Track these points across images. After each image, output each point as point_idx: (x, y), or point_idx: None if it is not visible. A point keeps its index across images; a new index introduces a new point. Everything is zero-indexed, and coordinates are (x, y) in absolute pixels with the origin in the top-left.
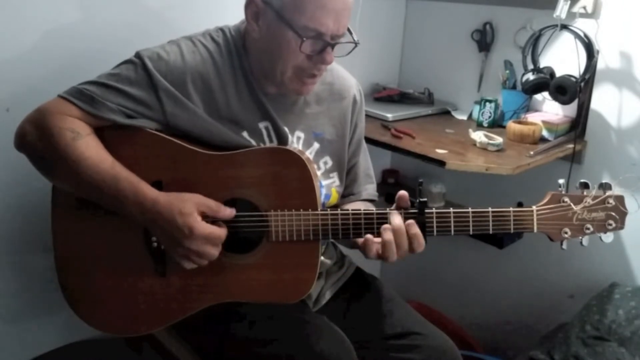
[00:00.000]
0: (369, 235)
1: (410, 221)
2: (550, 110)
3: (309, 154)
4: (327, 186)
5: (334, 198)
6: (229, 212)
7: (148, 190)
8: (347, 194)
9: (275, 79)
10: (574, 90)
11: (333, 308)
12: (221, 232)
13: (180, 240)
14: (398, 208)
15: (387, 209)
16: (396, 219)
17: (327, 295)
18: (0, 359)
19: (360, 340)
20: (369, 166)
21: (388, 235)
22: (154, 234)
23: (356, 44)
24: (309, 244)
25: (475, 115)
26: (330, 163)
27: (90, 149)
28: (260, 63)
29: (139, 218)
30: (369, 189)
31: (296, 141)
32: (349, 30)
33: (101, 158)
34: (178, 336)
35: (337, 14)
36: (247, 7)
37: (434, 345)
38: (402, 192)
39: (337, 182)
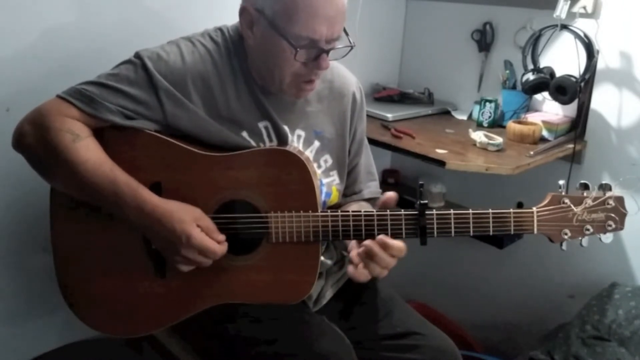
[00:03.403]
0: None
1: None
2: (550, 110)
3: (310, 152)
4: (328, 184)
5: (335, 196)
6: (221, 237)
7: (148, 196)
8: (349, 193)
9: (273, 84)
10: (574, 90)
11: (333, 308)
12: (217, 248)
13: (177, 248)
14: (383, 207)
15: (374, 210)
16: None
17: (327, 296)
18: (0, 359)
19: (360, 340)
20: (370, 163)
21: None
22: (150, 238)
23: (352, 47)
24: (309, 245)
25: (475, 115)
26: (330, 161)
27: (90, 151)
28: (258, 68)
29: (136, 222)
30: (372, 186)
31: (296, 140)
32: (345, 31)
33: (100, 161)
34: (178, 336)
35: (330, 19)
36: (241, 14)
37: (434, 345)
38: (390, 194)
39: (337, 180)
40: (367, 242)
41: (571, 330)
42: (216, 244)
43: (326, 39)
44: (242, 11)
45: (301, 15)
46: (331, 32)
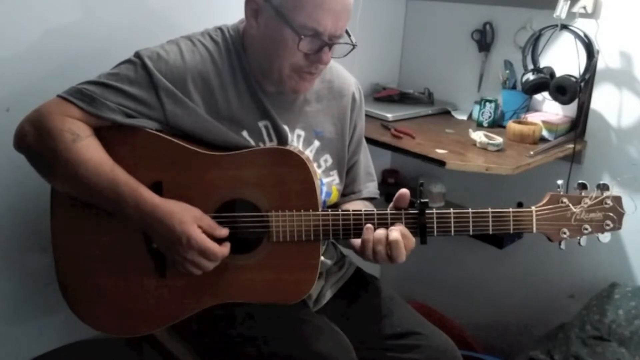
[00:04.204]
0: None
1: (393, 227)
2: (550, 110)
3: (310, 151)
4: (328, 184)
5: (335, 196)
6: (224, 232)
7: (148, 196)
8: (348, 192)
9: (273, 77)
10: (574, 90)
11: (333, 308)
12: (218, 249)
13: (177, 248)
14: (396, 208)
15: (387, 208)
16: (380, 230)
17: (328, 295)
18: (0, 359)
19: (360, 340)
20: (369, 164)
21: (367, 235)
22: (152, 238)
23: (354, 46)
24: (310, 244)
25: (475, 115)
26: (330, 161)
27: (90, 151)
28: (259, 61)
29: (137, 222)
30: (370, 187)
31: (296, 139)
32: (347, 32)
33: (101, 161)
34: (178, 336)
35: (336, 14)
36: (247, 3)
37: (434, 345)
38: (404, 191)
39: (337, 180)
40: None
41: (571, 330)
42: (217, 246)
43: (330, 34)
44: (248, 0)
45: (308, 5)
46: (335, 27)
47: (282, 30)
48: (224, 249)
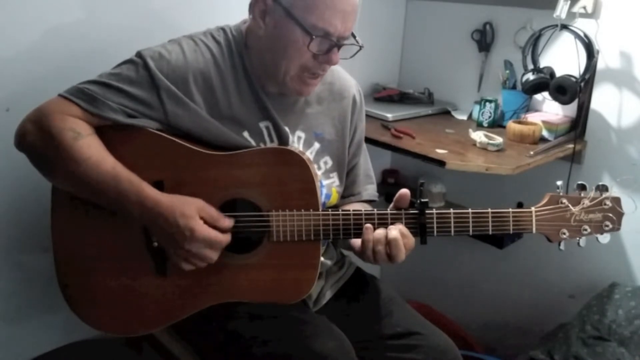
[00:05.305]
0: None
1: (392, 226)
2: (550, 110)
3: (310, 153)
4: (328, 186)
5: (334, 198)
6: (227, 222)
7: (150, 191)
8: (347, 194)
9: (278, 78)
10: (574, 90)
11: (333, 308)
12: (222, 238)
13: (181, 242)
14: (396, 208)
15: (387, 208)
16: (379, 230)
17: (328, 295)
18: (0, 358)
19: (360, 340)
20: (368, 167)
21: (367, 236)
22: (154, 234)
23: (360, 47)
24: (310, 244)
25: (475, 115)
26: (330, 163)
27: (92, 149)
28: (263, 62)
29: (139, 218)
30: (369, 189)
31: (297, 141)
32: (352, 34)
33: (102, 158)
34: (178, 336)
35: (345, 15)
36: (255, 4)
37: (434, 345)
38: (404, 192)
39: (337, 182)
40: (393, 233)
41: (571, 330)
42: (220, 234)
43: (339, 35)
44: (256, 1)
45: (319, 6)
46: (344, 28)
47: (291, 30)
48: (227, 236)
